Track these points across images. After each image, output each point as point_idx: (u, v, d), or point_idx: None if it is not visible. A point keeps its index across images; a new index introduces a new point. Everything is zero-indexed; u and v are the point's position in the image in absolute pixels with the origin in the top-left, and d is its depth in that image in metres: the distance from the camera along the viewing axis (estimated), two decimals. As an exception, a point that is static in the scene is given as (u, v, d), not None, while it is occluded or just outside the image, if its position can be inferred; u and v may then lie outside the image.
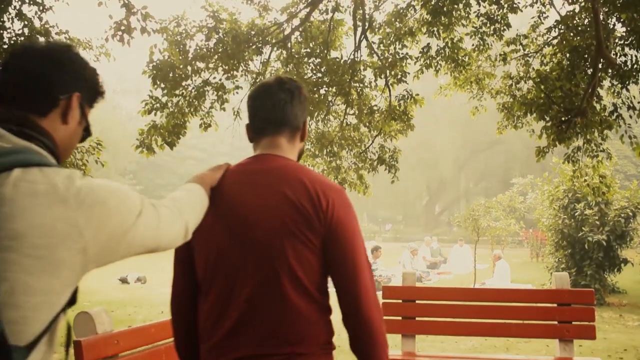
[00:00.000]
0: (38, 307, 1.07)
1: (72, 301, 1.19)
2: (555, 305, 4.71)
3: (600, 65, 6.45)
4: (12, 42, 6.60)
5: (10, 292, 1.02)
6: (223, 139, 41.07)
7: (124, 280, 15.41)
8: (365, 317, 1.66)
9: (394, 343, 6.20)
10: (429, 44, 7.95)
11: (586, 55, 6.98)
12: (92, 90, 1.35)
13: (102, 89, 1.40)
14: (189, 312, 1.83)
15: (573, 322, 4.64)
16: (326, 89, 7.87)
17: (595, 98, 6.73)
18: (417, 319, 4.59)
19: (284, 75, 1.88)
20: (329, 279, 1.71)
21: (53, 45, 1.29)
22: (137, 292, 13.27)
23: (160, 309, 10.43)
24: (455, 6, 7.46)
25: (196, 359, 1.80)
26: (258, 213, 1.66)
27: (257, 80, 7.86)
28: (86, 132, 1.38)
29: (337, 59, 7.73)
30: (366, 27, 7.84)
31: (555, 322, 4.69)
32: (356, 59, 7.81)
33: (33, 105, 1.23)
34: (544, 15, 7.98)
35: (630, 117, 6.85)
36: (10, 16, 6.58)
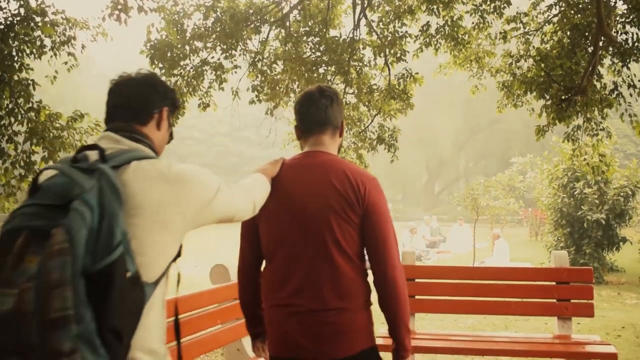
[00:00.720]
0: (157, 256, 1.55)
1: (179, 254, 1.65)
2: (554, 283, 4.74)
3: (600, 43, 6.41)
4: (7, 22, 6.54)
5: (139, 245, 1.48)
6: (222, 119, 40.94)
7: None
8: (392, 280, 2.14)
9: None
10: (428, 22, 7.88)
11: (587, 33, 6.93)
12: (173, 106, 1.93)
13: (178, 103, 1.99)
14: (253, 278, 2.34)
15: (571, 300, 4.67)
16: (325, 68, 7.81)
17: (595, 76, 6.69)
18: (416, 297, 4.62)
19: (324, 85, 2.38)
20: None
21: (145, 74, 1.84)
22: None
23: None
24: (455, -17, 7.40)
25: (258, 315, 2.36)
26: (311, 198, 2.14)
27: (256, 60, 7.80)
28: (171, 136, 2.01)
29: (336, 38, 7.67)
30: (365, 5, 7.77)
31: (554, 300, 4.72)
32: (355, 37, 7.75)
33: (136, 118, 1.77)
34: (545, -8, 7.92)
35: (631, 95, 6.82)
36: (5, -5, 6.52)
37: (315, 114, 2.27)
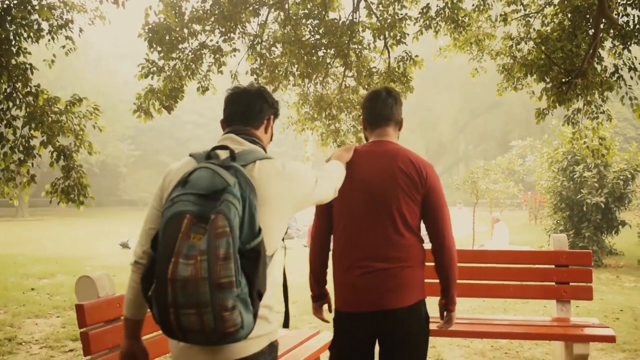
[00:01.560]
0: (274, 235, 2.00)
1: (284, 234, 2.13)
2: (553, 266, 4.75)
3: (601, 26, 6.36)
4: (4, 5, 6.49)
5: (264, 227, 1.89)
6: (221, 102, 40.50)
7: (124, 245, 15.51)
8: (448, 248, 2.70)
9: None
10: (428, 4, 7.82)
11: (588, 16, 6.87)
12: (276, 114, 2.37)
13: (279, 111, 2.42)
14: (325, 248, 2.86)
15: (570, 283, 4.69)
16: (324, 50, 7.77)
17: (596, 59, 6.65)
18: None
19: (389, 87, 2.89)
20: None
21: (257, 87, 2.33)
22: (138, 256, 13.34)
23: (161, 273, 10.52)
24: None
25: (324, 279, 2.92)
26: (382, 179, 2.66)
27: (255, 43, 7.75)
28: (271, 137, 2.41)
29: (336, 20, 7.61)
30: (365, -12, 7.71)
31: (553, 283, 4.73)
32: (355, 20, 7.69)
33: (252, 122, 2.24)
34: (546, -26, 7.84)
35: (631, 78, 6.78)
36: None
37: (383, 110, 2.79)
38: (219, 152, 2.04)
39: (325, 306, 2.96)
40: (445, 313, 2.89)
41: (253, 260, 1.82)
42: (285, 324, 2.36)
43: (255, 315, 1.84)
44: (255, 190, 1.91)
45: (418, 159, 2.71)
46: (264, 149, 2.22)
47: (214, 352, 1.92)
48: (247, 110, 2.26)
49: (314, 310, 2.96)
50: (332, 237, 2.82)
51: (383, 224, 2.63)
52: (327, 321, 2.92)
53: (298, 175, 2.14)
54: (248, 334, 1.84)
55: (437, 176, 2.74)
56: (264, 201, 1.95)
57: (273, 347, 2.08)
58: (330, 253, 2.82)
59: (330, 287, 2.88)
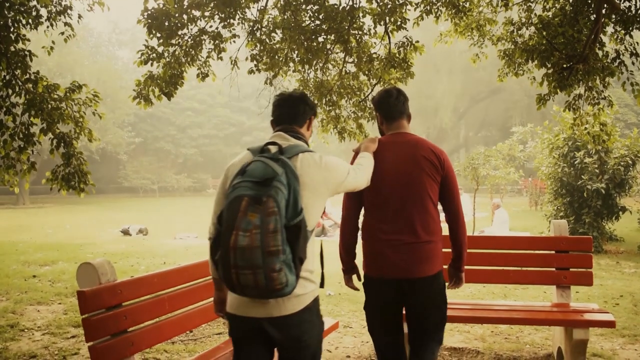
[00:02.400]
0: (313, 214, 2.53)
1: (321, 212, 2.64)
2: (553, 252, 4.77)
3: (603, 11, 6.32)
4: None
5: (305, 208, 2.41)
6: (221, 89, 40.64)
7: (125, 232, 15.54)
8: (461, 218, 3.32)
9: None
10: (429, -11, 7.77)
11: (589, 1, 6.83)
12: (315, 114, 2.92)
13: (317, 111, 3.31)
14: (355, 226, 3.35)
15: (570, 269, 4.71)
16: (324, 36, 7.72)
17: (597, 44, 6.61)
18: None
19: (397, 87, 3.44)
20: None
21: (300, 93, 2.88)
22: (139, 244, 13.40)
23: (162, 260, 10.56)
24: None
25: (355, 253, 3.39)
26: (408, 164, 3.16)
27: (255, 29, 7.71)
28: (310, 134, 2.93)
29: (336, 6, 7.56)
30: (365, -27, 7.66)
31: (553, 269, 4.75)
32: (355, 5, 7.63)
33: (297, 122, 2.78)
34: (548, -42, 7.78)
35: (633, 64, 6.75)
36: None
37: (396, 106, 3.32)
38: (270, 147, 2.57)
39: (354, 276, 3.48)
40: (457, 275, 3.44)
41: (295, 233, 2.34)
42: (321, 285, 2.77)
43: (297, 277, 2.38)
44: (298, 178, 2.44)
45: (435, 147, 3.23)
46: (307, 143, 2.77)
47: (266, 306, 2.48)
48: (293, 112, 2.79)
49: (345, 281, 3.50)
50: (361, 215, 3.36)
51: (413, 203, 3.13)
52: (357, 289, 3.45)
53: (332, 166, 2.65)
54: (292, 291, 2.37)
55: (449, 160, 3.27)
56: (304, 186, 2.49)
57: (316, 301, 2.65)
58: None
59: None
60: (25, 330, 5.74)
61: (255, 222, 2.25)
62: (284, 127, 2.75)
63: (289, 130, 2.73)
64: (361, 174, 2.90)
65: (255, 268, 2.24)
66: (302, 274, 2.47)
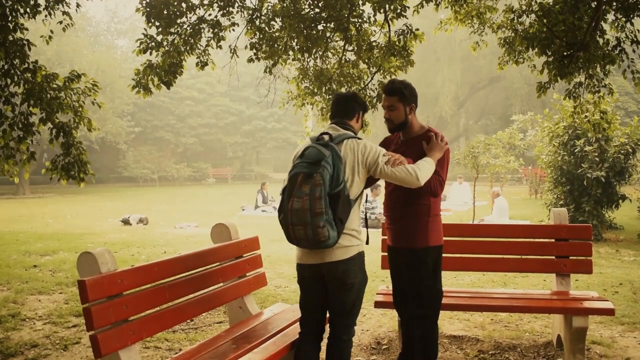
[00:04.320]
0: (354, 185, 3.32)
1: (361, 192, 3.41)
2: (553, 240, 4.77)
3: (604, -2, 6.28)
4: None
5: (347, 180, 3.28)
6: (220, 78, 40.50)
7: (126, 222, 15.55)
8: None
9: (394, 279, 6.27)
10: (429, -23, 7.72)
11: (590, -12, 6.78)
12: (364, 110, 3.68)
13: (367, 107, 3.96)
14: None
15: (570, 257, 4.71)
16: (324, 24, 7.68)
17: (598, 32, 6.57)
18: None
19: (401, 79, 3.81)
20: None
21: (352, 92, 3.76)
22: (140, 233, 13.42)
23: (163, 249, 10.57)
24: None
25: None
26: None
27: (254, 17, 7.67)
28: (362, 126, 3.72)
29: (335, -6, 7.52)
30: (365, -40, 7.59)
31: (553, 257, 4.76)
32: (355, -7, 7.59)
33: (347, 115, 3.56)
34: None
35: (634, 51, 6.71)
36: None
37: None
38: (324, 136, 3.37)
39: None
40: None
41: (336, 199, 3.16)
42: (367, 242, 3.52)
43: (339, 233, 3.20)
44: (341, 159, 3.27)
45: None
46: (354, 132, 3.53)
47: (321, 255, 3.31)
48: (344, 108, 3.58)
49: None
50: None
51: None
52: None
53: (367, 150, 3.35)
54: (334, 243, 3.18)
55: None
56: (346, 165, 3.31)
57: (361, 255, 3.44)
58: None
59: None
60: (27, 319, 5.76)
61: (306, 191, 3.11)
62: (337, 121, 3.53)
63: (340, 123, 3.51)
64: (408, 171, 3.31)
65: (305, 224, 3.10)
66: (346, 231, 3.30)
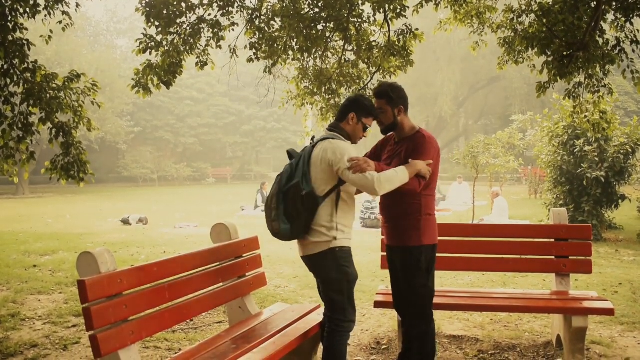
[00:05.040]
0: (319, 182, 3.49)
1: (333, 189, 3.50)
2: (552, 240, 4.77)
3: (604, -2, 6.28)
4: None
5: (312, 178, 3.50)
6: (220, 78, 40.47)
7: (125, 222, 15.54)
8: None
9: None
10: (429, -23, 7.71)
11: (590, -12, 6.78)
12: (364, 111, 3.67)
13: (369, 111, 3.71)
14: None
15: (570, 257, 4.71)
16: (324, 24, 7.68)
17: (598, 32, 6.57)
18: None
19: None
20: None
21: (353, 95, 4.50)
22: (139, 233, 13.41)
23: (162, 249, 10.57)
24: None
25: None
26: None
27: (254, 17, 7.67)
28: (364, 129, 3.73)
29: (335, -6, 7.51)
30: (364, -40, 7.59)
31: (553, 257, 4.76)
32: (354, -7, 7.59)
33: (340, 119, 3.71)
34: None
35: (633, 51, 6.71)
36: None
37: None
38: (315, 138, 3.71)
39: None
40: None
41: (286, 195, 3.50)
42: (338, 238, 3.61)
43: (296, 227, 3.49)
44: (310, 159, 3.54)
45: None
46: (347, 133, 3.66)
47: (299, 248, 3.64)
48: (340, 112, 3.74)
49: None
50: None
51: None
52: None
53: (333, 151, 3.44)
54: (288, 236, 3.53)
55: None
56: (313, 164, 3.52)
57: (334, 251, 3.50)
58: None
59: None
60: (26, 319, 5.76)
61: (274, 190, 3.58)
62: (331, 124, 3.74)
63: (332, 126, 3.70)
64: (366, 178, 3.32)
65: (268, 218, 3.56)
66: (315, 227, 3.49)
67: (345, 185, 3.54)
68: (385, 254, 4.13)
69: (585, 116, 7.90)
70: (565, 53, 6.46)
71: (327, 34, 7.76)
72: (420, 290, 3.74)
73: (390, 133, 3.91)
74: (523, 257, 4.87)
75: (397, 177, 3.40)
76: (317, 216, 3.48)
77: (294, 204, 3.47)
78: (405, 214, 3.69)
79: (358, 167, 3.35)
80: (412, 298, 3.76)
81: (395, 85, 3.81)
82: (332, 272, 3.53)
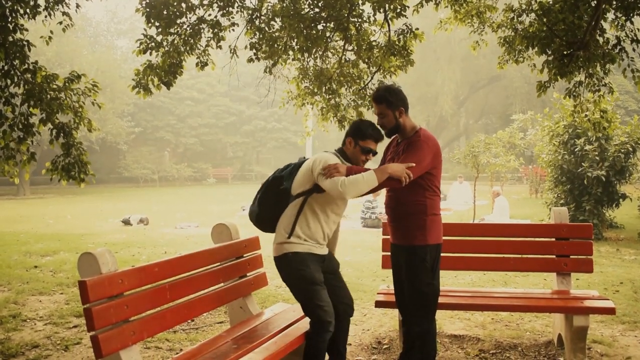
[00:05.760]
0: (298, 186, 3.68)
1: (304, 193, 3.65)
2: (553, 239, 4.77)
3: (604, -3, 6.28)
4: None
5: (295, 180, 3.71)
6: (220, 78, 40.51)
7: (126, 222, 15.54)
8: None
9: (394, 278, 6.27)
10: (429, -24, 7.71)
11: (590, -13, 6.78)
12: (359, 135, 3.73)
13: (364, 133, 3.73)
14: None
15: (571, 256, 4.71)
16: (324, 24, 7.68)
17: (598, 31, 6.57)
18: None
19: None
20: None
21: (358, 119, 4.34)
22: (140, 234, 13.41)
23: (163, 249, 10.57)
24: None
25: None
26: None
27: (254, 17, 7.67)
28: (365, 152, 3.74)
29: (335, -7, 7.51)
30: (364, -41, 7.59)
31: (554, 256, 4.76)
32: (354, -7, 7.59)
33: (343, 142, 3.83)
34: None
35: (634, 50, 6.71)
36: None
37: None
38: None
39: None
40: None
41: (269, 184, 3.86)
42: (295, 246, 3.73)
43: (257, 215, 3.85)
44: (298, 168, 3.75)
45: None
46: (345, 156, 3.76)
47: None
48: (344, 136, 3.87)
49: None
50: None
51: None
52: None
53: (317, 160, 3.58)
54: (253, 219, 3.89)
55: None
56: (302, 167, 3.71)
57: (287, 255, 3.63)
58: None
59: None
60: (28, 320, 5.76)
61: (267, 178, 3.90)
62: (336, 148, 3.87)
63: (336, 149, 3.82)
64: (334, 183, 3.43)
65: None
66: (278, 229, 3.72)
67: (320, 197, 3.62)
68: (386, 253, 4.17)
69: (586, 115, 7.89)
70: (565, 52, 6.46)
71: (327, 34, 7.76)
72: (425, 289, 3.75)
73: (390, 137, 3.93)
74: (524, 256, 4.87)
75: (362, 180, 3.43)
76: (282, 216, 3.70)
77: (270, 193, 3.77)
78: (410, 214, 3.71)
79: (328, 172, 3.46)
80: (416, 297, 3.77)
81: (393, 88, 3.82)
82: (288, 276, 3.69)
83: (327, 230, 3.75)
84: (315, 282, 3.62)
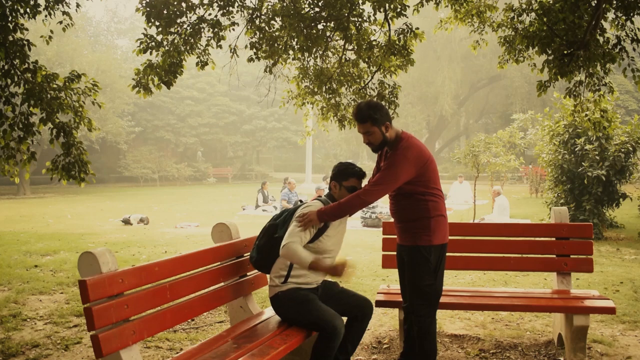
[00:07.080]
0: (284, 229, 3.84)
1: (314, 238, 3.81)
2: (553, 239, 4.77)
3: (604, -4, 6.28)
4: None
5: (288, 228, 3.77)
6: (220, 77, 40.49)
7: (126, 222, 15.55)
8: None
9: (395, 277, 6.32)
10: (429, -24, 7.71)
11: (590, -14, 6.77)
12: (340, 177, 3.87)
13: (345, 174, 3.87)
14: None
15: (571, 256, 4.71)
16: (324, 24, 7.68)
17: (598, 30, 6.57)
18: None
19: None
20: None
21: (338, 163, 3.96)
22: (140, 233, 13.41)
23: (163, 249, 10.57)
24: None
25: None
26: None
27: (254, 16, 7.67)
28: (350, 192, 3.82)
29: (335, -7, 7.51)
30: (364, -41, 7.59)
31: (554, 256, 4.76)
32: (354, -8, 7.58)
33: (329, 187, 4.02)
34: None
35: (634, 50, 6.71)
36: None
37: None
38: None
39: None
40: None
41: (266, 231, 4.00)
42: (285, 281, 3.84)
43: (256, 258, 3.97)
44: (293, 215, 3.83)
45: None
46: (331, 199, 3.86)
47: None
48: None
49: None
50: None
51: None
52: None
53: (303, 208, 3.78)
54: (253, 264, 4.04)
55: None
56: (292, 220, 3.77)
57: (277, 296, 3.76)
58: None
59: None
60: (28, 319, 5.76)
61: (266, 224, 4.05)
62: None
63: (327, 193, 3.96)
64: (285, 239, 3.67)
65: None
66: (271, 273, 3.85)
67: (312, 247, 3.72)
68: (386, 252, 4.26)
69: (586, 115, 7.89)
70: (565, 52, 6.46)
71: (328, 34, 7.75)
72: (425, 289, 3.77)
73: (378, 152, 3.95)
74: (524, 256, 4.87)
75: (297, 255, 3.61)
76: (277, 261, 3.81)
77: (266, 241, 3.87)
78: (414, 217, 3.76)
79: (300, 224, 3.68)
80: (417, 296, 3.80)
81: (373, 104, 3.77)
82: (285, 310, 3.80)
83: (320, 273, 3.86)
84: (308, 299, 3.71)
